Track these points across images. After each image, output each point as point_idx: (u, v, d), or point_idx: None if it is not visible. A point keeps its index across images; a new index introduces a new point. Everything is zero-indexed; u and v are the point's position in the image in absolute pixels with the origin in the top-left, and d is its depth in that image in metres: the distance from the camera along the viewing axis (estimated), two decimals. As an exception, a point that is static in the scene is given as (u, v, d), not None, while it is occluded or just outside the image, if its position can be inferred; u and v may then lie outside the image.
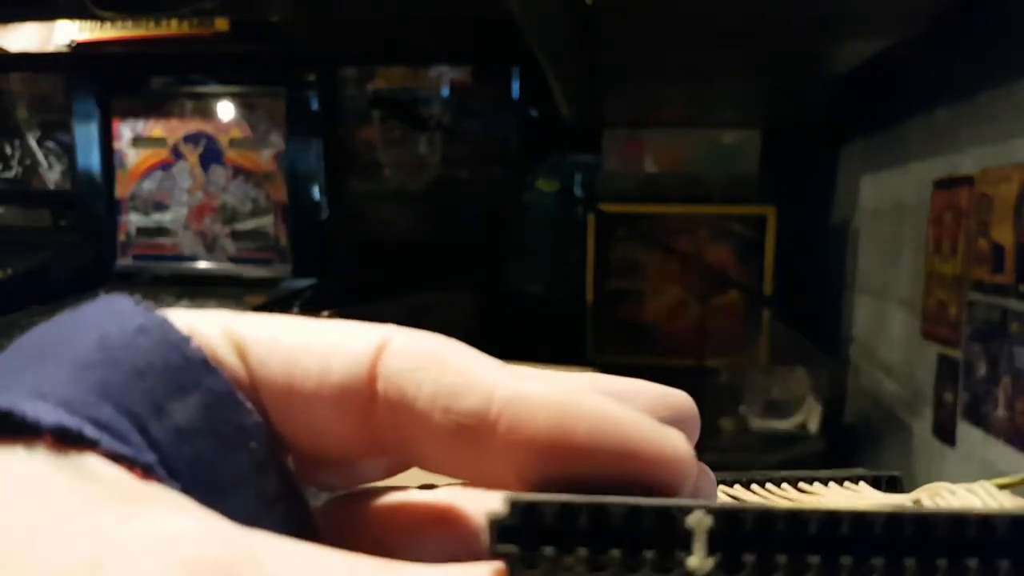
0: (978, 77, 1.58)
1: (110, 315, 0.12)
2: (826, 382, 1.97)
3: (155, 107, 2.07)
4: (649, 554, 0.10)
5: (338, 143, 1.95)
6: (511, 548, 0.11)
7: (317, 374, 0.13)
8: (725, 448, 1.80)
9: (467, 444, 0.12)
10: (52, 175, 2.08)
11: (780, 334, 2.03)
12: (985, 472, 1.47)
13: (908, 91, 1.91)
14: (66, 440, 0.11)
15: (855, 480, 0.16)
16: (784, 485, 0.16)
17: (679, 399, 0.14)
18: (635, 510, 0.10)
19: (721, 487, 0.15)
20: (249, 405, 0.13)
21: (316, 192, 2.08)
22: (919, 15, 1.57)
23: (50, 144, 2.08)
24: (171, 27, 1.94)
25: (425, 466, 0.13)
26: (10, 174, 2.08)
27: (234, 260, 2.04)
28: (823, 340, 2.03)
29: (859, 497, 0.15)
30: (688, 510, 0.10)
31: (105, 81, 2.09)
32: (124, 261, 2.08)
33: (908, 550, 0.10)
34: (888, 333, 2.00)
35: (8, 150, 2.09)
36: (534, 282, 2.18)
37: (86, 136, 2.07)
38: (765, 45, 1.74)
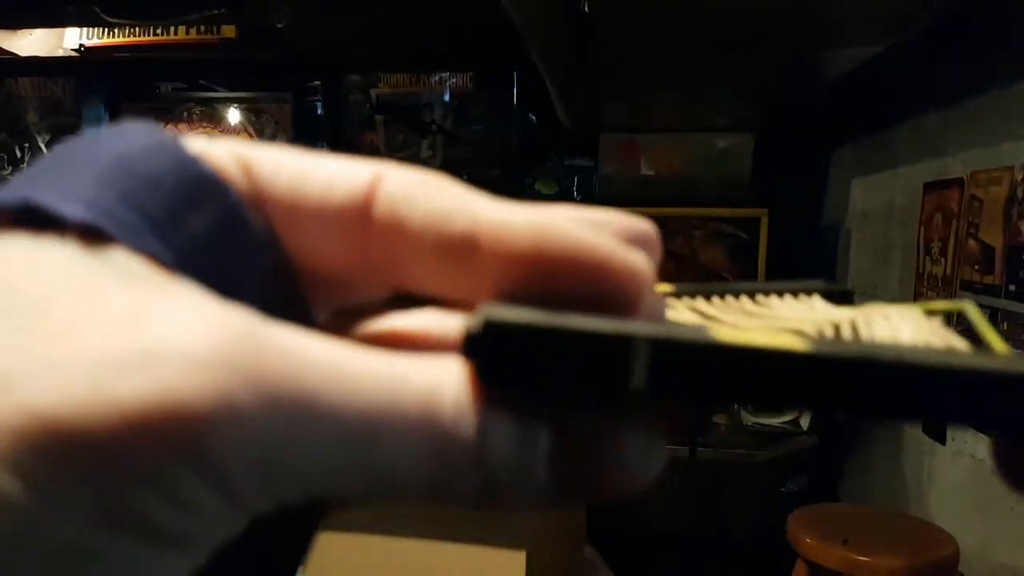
0: (967, 82, 1.59)
1: (126, 135, 0.13)
2: None
3: (163, 112, 2.08)
4: (598, 371, 0.11)
5: (343, 147, 1.96)
6: (480, 357, 0.11)
7: (320, 194, 0.13)
8: (719, 443, 1.83)
9: (454, 263, 0.13)
10: None
11: None
12: (975, 469, 1.50)
13: (898, 96, 1.92)
14: (91, 235, 0.11)
15: (809, 293, 0.17)
16: (742, 297, 0.16)
17: (643, 226, 0.15)
18: (590, 333, 0.11)
19: (684, 299, 0.16)
20: (257, 219, 0.13)
21: None
22: (909, 22, 1.59)
23: None
24: (179, 33, 1.95)
25: (414, 286, 0.14)
26: None
27: None
28: None
29: (808, 310, 0.16)
30: (634, 336, 0.11)
31: (114, 86, 2.10)
32: None
33: (816, 391, 0.11)
34: None
35: (18, 153, 2.10)
36: None
37: None
38: (758, 52, 1.75)
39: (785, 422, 1.90)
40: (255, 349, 0.10)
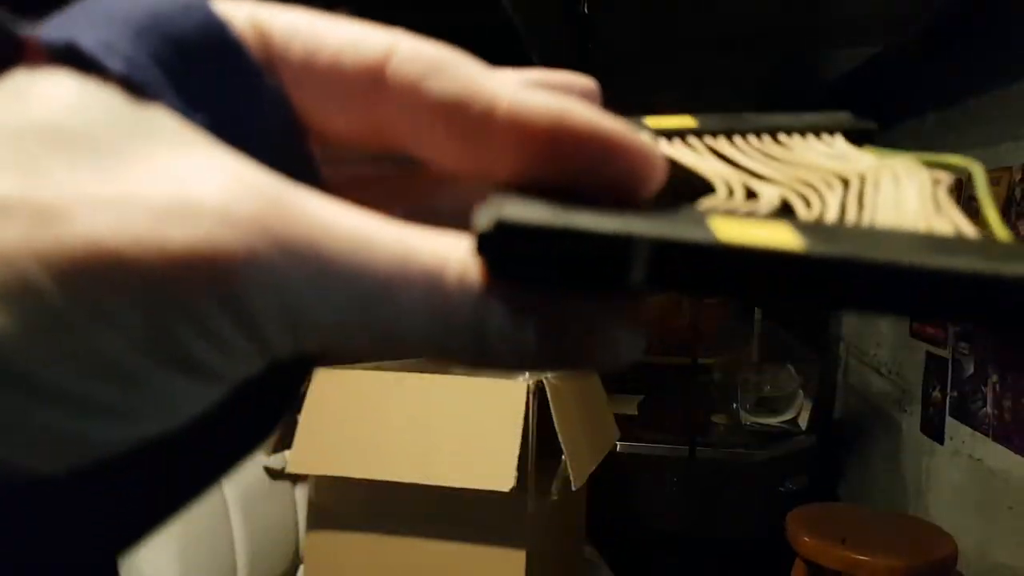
0: (966, 83, 1.60)
1: None
2: (816, 380, 1.98)
3: None
4: (600, 268, 0.12)
5: None
6: (490, 254, 0.12)
7: (332, 59, 0.13)
8: (718, 443, 1.83)
9: (469, 137, 0.13)
10: None
11: (771, 333, 2.05)
12: (973, 469, 1.50)
13: (897, 96, 1.92)
14: (132, 88, 0.12)
15: (833, 131, 0.17)
16: (765, 137, 0.17)
17: (588, 83, 0.15)
18: (594, 234, 0.12)
19: (707, 139, 0.17)
20: (272, 82, 0.14)
21: None
22: (908, 23, 1.60)
23: None
24: None
25: (423, 155, 0.14)
26: None
27: None
28: (814, 339, 2.05)
29: (827, 157, 0.16)
30: (635, 236, 0.12)
31: None
32: None
33: (809, 290, 0.12)
34: (877, 332, 2.02)
35: None
36: None
37: None
38: (758, 52, 1.75)
39: (784, 422, 1.90)
40: (282, 210, 0.11)
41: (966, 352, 1.66)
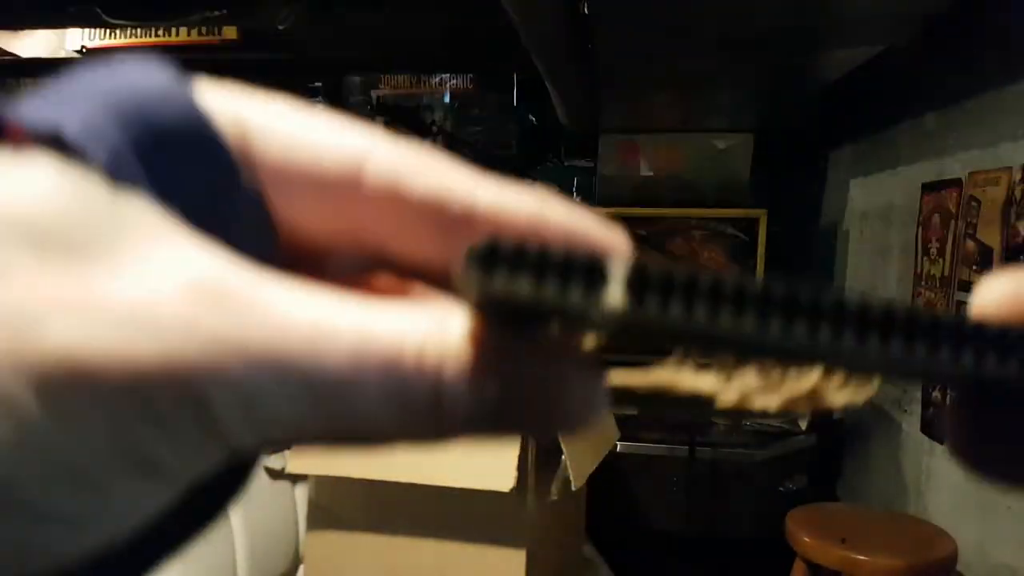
0: (966, 82, 1.59)
1: (147, 75, 0.14)
2: None
3: None
4: (578, 283, 0.12)
5: None
6: (478, 264, 0.12)
7: (310, 162, 0.14)
8: (718, 443, 1.83)
9: (448, 235, 0.14)
10: None
11: None
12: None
13: (897, 96, 1.92)
14: (111, 175, 0.12)
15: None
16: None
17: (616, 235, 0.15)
18: (573, 254, 0.12)
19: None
20: (250, 179, 0.14)
21: None
22: (907, 23, 1.59)
23: None
24: (181, 35, 1.96)
25: (400, 254, 0.14)
26: None
27: None
28: None
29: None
30: (608, 260, 0.12)
31: None
32: None
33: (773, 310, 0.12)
34: None
35: None
36: None
37: None
38: (757, 53, 1.75)
39: (784, 422, 1.90)
40: (243, 316, 0.11)
41: None
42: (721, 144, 1.94)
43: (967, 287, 1.49)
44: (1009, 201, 1.45)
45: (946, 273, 1.61)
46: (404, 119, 1.80)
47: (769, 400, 0.15)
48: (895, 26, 1.61)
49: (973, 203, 1.54)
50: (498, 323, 0.13)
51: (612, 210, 1.89)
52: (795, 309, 0.12)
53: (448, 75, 1.86)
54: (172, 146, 0.13)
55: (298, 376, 0.12)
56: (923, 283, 1.70)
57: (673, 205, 1.91)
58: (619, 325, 0.12)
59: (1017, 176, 1.44)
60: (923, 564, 1.22)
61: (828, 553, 1.25)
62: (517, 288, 0.12)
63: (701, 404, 0.15)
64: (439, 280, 0.14)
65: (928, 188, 1.71)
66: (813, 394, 0.15)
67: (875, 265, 1.88)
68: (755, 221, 1.88)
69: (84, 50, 2.13)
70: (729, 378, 0.15)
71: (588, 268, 0.12)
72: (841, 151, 2.01)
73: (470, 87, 1.85)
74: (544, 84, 1.60)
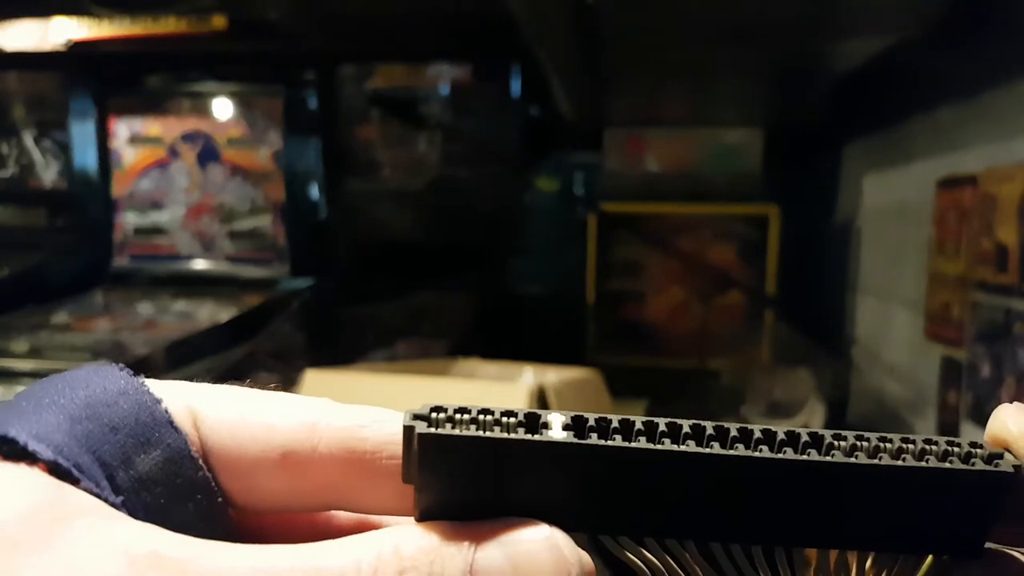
0: (982, 75, 1.57)
1: (99, 377, 0.16)
2: (829, 383, 1.97)
3: (152, 105, 2.07)
4: (520, 425, 0.14)
5: (337, 142, 1.94)
6: (420, 423, 0.14)
7: (257, 442, 0.15)
8: (727, 450, 1.80)
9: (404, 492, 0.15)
10: (49, 174, 2.07)
11: (783, 335, 2.04)
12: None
13: (911, 89, 1.91)
14: (57, 473, 0.14)
15: None
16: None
17: None
18: (513, 411, 0.15)
19: None
20: (200, 463, 0.15)
21: (314, 191, 2.07)
22: (922, 13, 1.57)
23: (47, 143, 2.07)
24: (168, 25, 1.94)
25: (363, 506, 0.16)
26: (6, 173, 2.08)
27: (232, 260, 2.04)
28: (826, 341, 2.03)
29: None
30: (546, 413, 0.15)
31: (102, 79, 2.08)
32: (121, 261, 2.07)
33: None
34: (891, 334, 1.99)
35: (5, 149, 2.08)
36: (534, 282, 2.18)
37: (82, 135, 2.06)
38: (767, 44, 1.74)
39: (795, 427, 1.88)
40: (182, 572, 0.13)
41: (982, 354, 1.64)
42: (731, 138, 1.92)
43: (984, 287, 1.47)
44: (1026, 198, 1.42)
45: (962, 272, 1.59)
46: (400, 111, 1.79)
47: None
48: (908, 16, 1.60)
49: (989, 200, 1.52)
50: (445, 504, 0.14)
51: (617, 206, 1.89)
52: (704, 435, 0.16)
53: (446, 65, 1.85)
54: (125, 437, 0.15)
55: None
56: (938, 283, 1.68)
57: (681, 201, 1.89)
58: (562, 458, 0.14)
59: (1036, 172, 1.41)
60: None
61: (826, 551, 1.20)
62: (464, 432, 0.14)
63: None
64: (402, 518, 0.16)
65: (943, 185, 1.70)
66: None
67: (889, 264, 1.87)
68: (766, 218, 1.87)
69: (70, 42, 2.11)
70: None
71: (527, 416, 0.15)
72: (854, 146, 2.00)
73: (469, 78, 1.84)
74: (546, 75, 1.58)
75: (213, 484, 0.16)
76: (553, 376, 1.09)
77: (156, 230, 2.07)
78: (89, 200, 2.07)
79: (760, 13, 1.57)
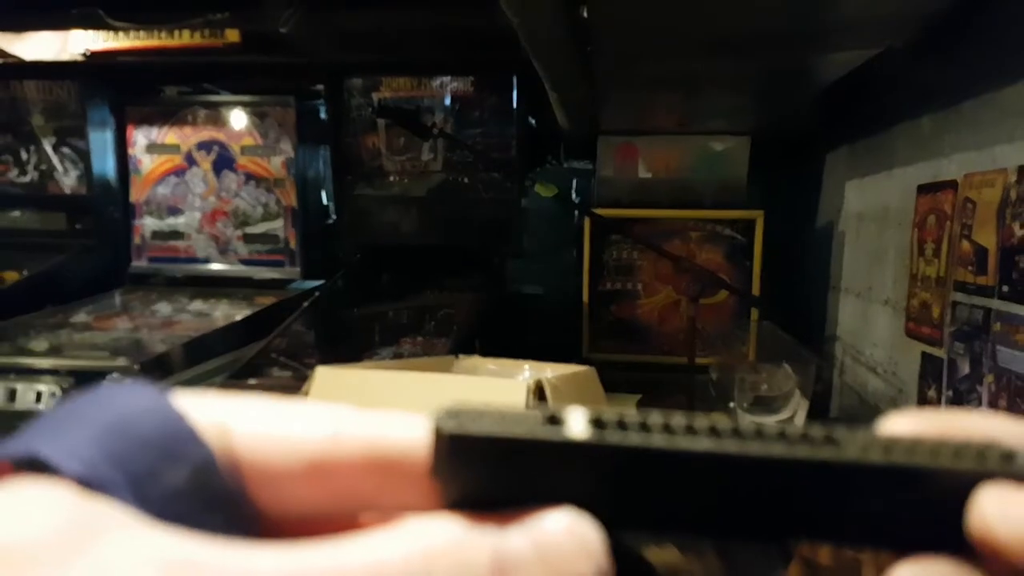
0: (962, 84, 1.59)
1: (125, 394, 0.15)
2: (812, 379, 1.95)
3: (168, 115, 2.07)
4: (542, 422, 0.15)
5: (345, 150, 1.94)
6: (449, 422, 0.14)
7: (286, 455, 0.15)
8: (716, 442, 1.82)
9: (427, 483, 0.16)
10: (68, 180, 2.07)
11: (768, 333, 2.03)
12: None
13: (893, 99, 1.92)
14: (87, 487, 0.14)
15: None
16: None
17: None
18: (535, 410, 0.15)
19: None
20: (227, 474, 0.15)
21: (324, 197, 2.08)
22: (905, 25, 1.59)
23: (65, 150, 2.07)
24: (183, 38, 1.94)
25: (387, 505, 0.16)
26: (26, 179, 2.08)
27: (245, 262, 2.05)
28: (810, 339, 2.03)
29: None
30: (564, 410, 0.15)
31: (119, 89, 2.09)
32: (139, 263, 2.08)
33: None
34: (873, 332, 2.01)
35: (24, 155, 2.09)
36: (533, 283, 2.19)
37: (101, 142, 2.06)
38: (755, 56, 1.75)
39: (781, 421, 1.91)
40: (216, 573, 0.13)
41: (961, 352, 1.67)
42: (719, 146, 1.93)
43: (963, 287, 1.49)
44: (1004, 202, 1.45)
45: (942, 274, 1.60)
46: (405, 121, 1.79)
47: None
48: (893, 28, 1.61)
49: (968, 204, 1.54)
50: (472, 498, 0.15)
51: (610, 211, 1.89)
52: (718, 432, 0.15)
53: (449, 78, 1.85)
54: (152, 451, 0.15)
55: None
56: (918, 284, 1.70)
57: (671, 206, 1.90)
58: (585, 456, 0.14)
59: (1012, 178, 1.44)
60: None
61: (824, 551, 1.26)
62: (491, 428, 0.14)
63: None
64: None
65: (923, 190, 1.71)
66: None
67: (871, 266, 1.89)
68: (752, 222, 1.88)
69: (88, 53, 2.13)
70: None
71: (548, 415, 0.14)
72: (837, 153, 2.01)
73: (471, 90, 1.84)
74: (543, 87, 1.59)
75: (241, 494, 0.15)
76: (550, 372, 1.08)
77: (173, 234, 2.08)
78: (108, 205, 2.08)
79: (748, 27, 1.58)
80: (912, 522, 0.15)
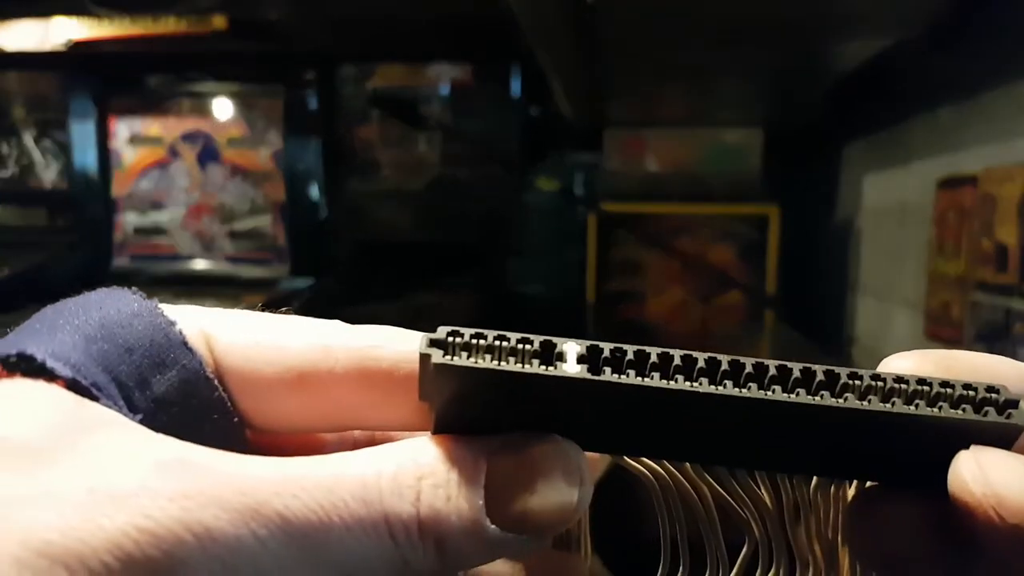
0: (982, 75, 1.57)
1: (112, 299, 0.16)
2: None
3: (152, 106, 2.07)
4: (535, 356, 0.14)
5: (336, 142, 1.94)
6: (436, 351, 0.14)
7: (275, 366, 0.16)
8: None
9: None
10: (49, 174, 2.08)
11: (783, 334, 2.04)
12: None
13: (911, 90, 1.91)
14: (76, 390, 0.14)
15: None
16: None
17: None
18: (528, 338, 0.14)
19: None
20: (216, 384, 0.16)
21: (314, 191, 2.07)
22: (922, 13, 1.57)
23: (47, 143, 2.08)
24: (168, 25, 1.94)
25: (378, 422, 0.16)
26: (6, 173, 2.08)
27: (232, 260, 2.04)
28: (826, 340, 2.03)
29: None
30: (559, 343, 0.15)
31: (102, 79, 2.09)
32: (121, 261, 2.07)
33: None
34: (891, 333, 1.99)
35: (5, 149, 2.09)
36: (534, 282, 2.18)
37: (83, 135, 2.06)
38: (767, 45, 1.74)
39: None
40: (211, 476, 0.13)
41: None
42: (731, 139, 1.92)
43: (983, 287, 1.47)
44: (1025, 198, 1.42)
45: (961, 272, 1.59)
46: (400, 111, 1.79)
47: None
48: (908, 16, 1.60)
49: (989, 200, 1.52)
50: (460, 420, 0.15)
51: (618, 206, 1.89)
52: (723, 373, 0.15)
53: (446, 66, 1.86)
54: (140, 358, 0.15)
55: (276, 523, 0.13)
56: (938, 282, 1.68)
57: (681, 201, 1.88)
58: (576, 391, 0.15)
59: (1036, 172, 1.41)
60: None
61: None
62: (479, 362, 0.14)
63: None
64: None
65: (943, 185, 1.70)
66: None
67: (889, 263, 1.88)
68: (766, 218, 1.86)
69: (71, 42, 2.11)
70: None
71: (543, 345, 0.15)
72: (854, 146, 2.00)
73: (469, 78, 1.84)
74: (546, 76, 1.58)
75: (229, 405, 0.16)
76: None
77: (156, 230, 2.07)
78: (89, 200, 2.08)
79: (760, 14, 1.56)
80: (906, 463, 0.16)
